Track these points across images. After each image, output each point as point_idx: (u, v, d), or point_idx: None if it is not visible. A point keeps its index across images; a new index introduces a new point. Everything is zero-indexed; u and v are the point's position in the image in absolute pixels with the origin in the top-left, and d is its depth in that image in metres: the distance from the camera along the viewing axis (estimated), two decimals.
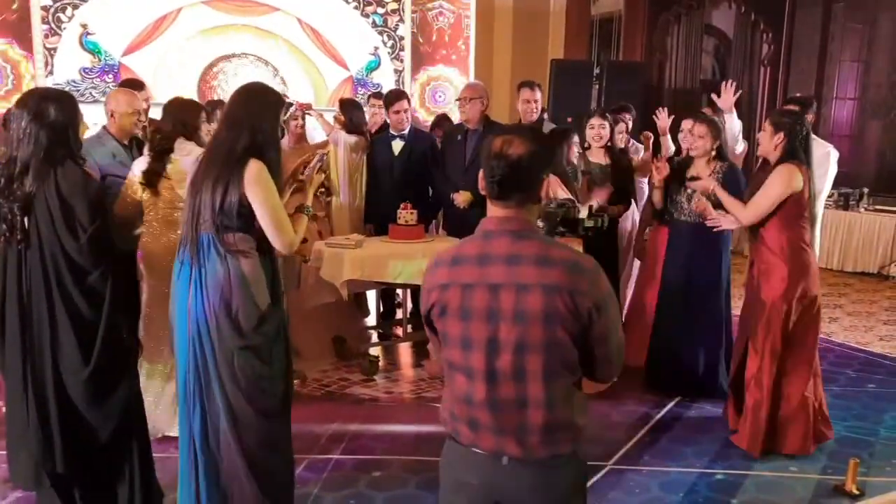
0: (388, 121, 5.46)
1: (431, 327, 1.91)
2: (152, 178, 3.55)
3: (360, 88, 8.76)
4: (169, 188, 3.58)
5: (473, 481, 1.86)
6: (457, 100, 5.37)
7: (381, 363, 5.03)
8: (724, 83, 4.67)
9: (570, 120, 6.98)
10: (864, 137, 9.73)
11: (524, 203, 1.80)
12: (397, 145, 5.30)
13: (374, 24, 8.83)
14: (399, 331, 5.59)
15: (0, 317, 2.79)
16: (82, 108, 2.90)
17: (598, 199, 4.33)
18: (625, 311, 5.00)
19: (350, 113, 5.45)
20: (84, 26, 7.48)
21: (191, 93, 7.72)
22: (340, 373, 4.90)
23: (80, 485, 2.85)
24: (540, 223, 1.98)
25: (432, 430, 3.84)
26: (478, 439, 1.83)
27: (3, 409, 2.95)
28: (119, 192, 3.97)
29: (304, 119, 5.41)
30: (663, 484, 3.51)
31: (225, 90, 7.85)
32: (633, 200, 5.17)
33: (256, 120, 2.61)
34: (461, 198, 4.89)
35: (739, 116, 4.85)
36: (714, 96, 4.69)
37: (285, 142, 5.14)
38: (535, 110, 5.18)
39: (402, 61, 9.03)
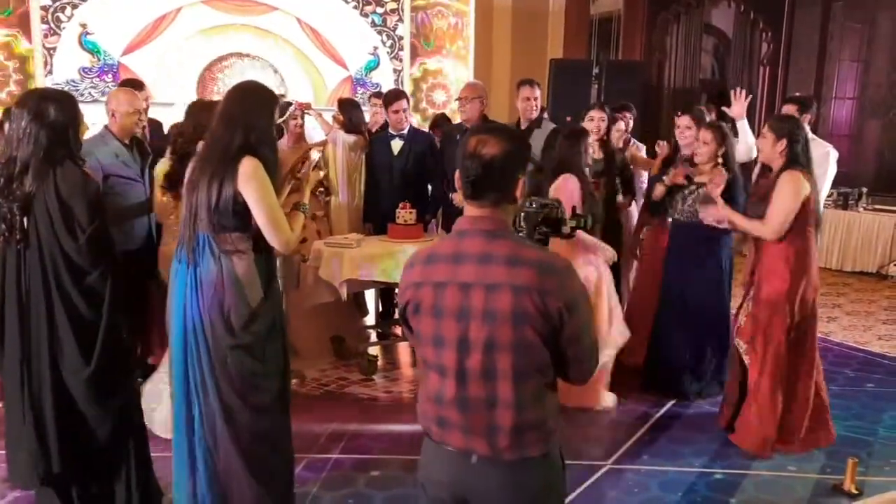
0: (388, 120, 5.46)
1: (407, 325, 1.92)
2: (174, 181, 3.54)
3: (359, 88, 8.76)
4: None
5: (443, 478, 1.87)
6: (456, 99, 5.37)
7: (379, 363, 5.03)
8: (734, 91, 4.64)
9: (569, 119, 6.99)
10: (863, 137, 9.73)
11: (499, 203, 1.80)
12: (396, 145, 5.30)
13: (374, 24, 8.84)
14: (398, 330, 5.59)
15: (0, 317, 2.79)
16: (82, 107, 2.90)
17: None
18: (624, 310, 4.99)
19: (349, 112, 5.46)
20: (83, 26, 7.49)
21: (190, 92, 7.73)
22: (339, 372, 4.90)
23: (78, 484, 2.86)
24: (522, 223, 1.99)
25: None
26: (447, 437, 1.84)
27: (3, 409, 2.95)
28: (121, 192, 3.99)
29: (303, 119, 5.41)
30: (662, 483, 3.51)
31: (224, 90, 7.84)
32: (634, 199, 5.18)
33: (251, 118, 2.61)
34: (460, 197, 4.88)
35: None
36: (725, 108, 4.67)
37: (284, 141, 5.16)
38: (534, 108, 5.18)
39: (401, 61, 9.03)
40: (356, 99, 7.23)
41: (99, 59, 7.60)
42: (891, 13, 9.31)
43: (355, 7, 8.72)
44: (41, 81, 7.25)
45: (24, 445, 2.77)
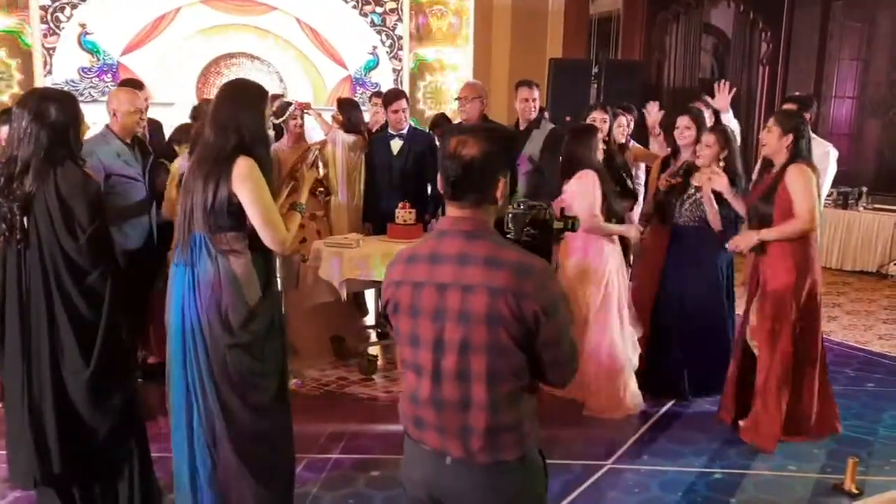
0: (388, 120, 5.46)
1: (389, 323, 1.93)
2: None
3: (358, 88, 8.76)
4: None
5: (419, 478, 1.87)
6: (455, 99, 5.36)
7: (379, 362, 5.03)
8: (717, 83, 4.67)
9: (568, 119, 6.98)
10: (862, 136, 9.73)
11: (480, 203, 1.80)
12: (396, 145, 5.30)
13: (373, 24, 8.83)
14: None
15: (0, 316, 2.79)
16: (81, 107, 2.90)
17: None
18: None
19: (348, 112, 5.46)
20: (83, 26, 7.48)
21: (189, 92, 7.72)
22: (339, 372, 4.90)
23: (79, 484, 2.86)
24: (510, 225, 1.99)
25: None
26: (423, 437, 1.85)
27: (3, 409, 2.95)
28: (122, 192, 3.99)
29: (302, 118, 5.41)
30: (662, 483, 3.51)
31: None
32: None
33: (242, 117, 2.61)
34: None
35: (737, 115, 4.86)
36: (708, 98, 4.69)
37: (284, 141, 5.16)
38: (533, 109, 5.18)
39: (400, 60, 9.03)
40: (355, 99, 7.23)
41: (98, 59, 7.60)
42: (890, 12, 9.30)
43: (354, 7, 8.71)
44: (41, 81, 7.24)
45: (25, 445, 2.77)
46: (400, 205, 4.83)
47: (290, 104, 5.14)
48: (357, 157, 5.41)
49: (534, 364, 1.78)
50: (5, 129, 4.20)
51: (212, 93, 7.85)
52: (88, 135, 3.97)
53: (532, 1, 9.49)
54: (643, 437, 4.00)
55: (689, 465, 3.69)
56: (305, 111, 5.56)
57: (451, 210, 1.83)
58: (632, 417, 4.18)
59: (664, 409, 4.33)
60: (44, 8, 7.29)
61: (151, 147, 4.41)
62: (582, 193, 4.10)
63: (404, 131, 5.32)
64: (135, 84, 4.81)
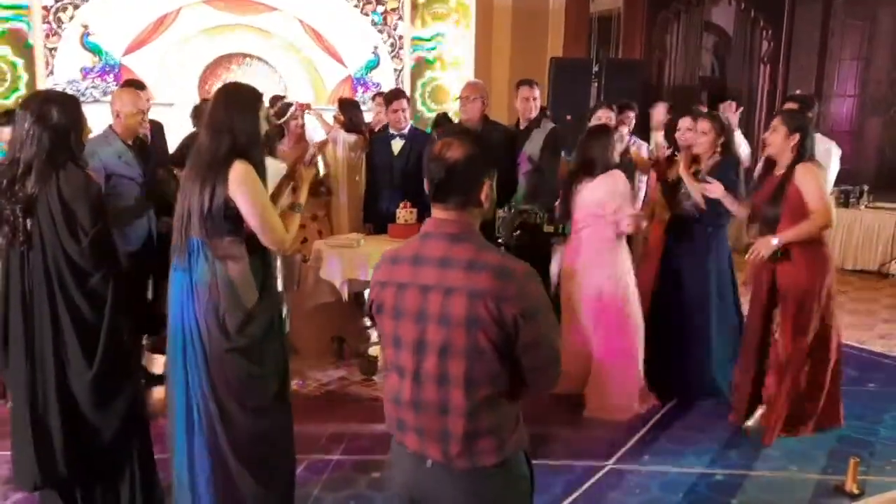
0: (388, 119, 5.45)
1: (375, 323, 1.94)
2: None
3: (359, 87, 8.75)
4: None
5: (398, 478, 1.89)
6: (456, 98, 5.36)
7: (380, 363, 5.03)
8: (723, 104, 4.64)
9: (569, 118, 6.99)
10: (864, 134, 9.72)
11: (464, 206, 1.80)
12: (397, 144, 5.28)
13: (374, 23, 8.83)
14: None
15: (3, 319, 2.80)
16: (83, 108, 2.90)
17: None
18: None
19: (349, 112, 5.47)
20: (85, 26, 7.48)
21: (190, 93, 7.72)
22: (340, 372, 4.91)
23: (82, 486, 2.87)
24: (500, 229, 2.01)
25: None
26: (405, 439, 1.86)
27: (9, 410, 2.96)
28: (123, 193, 4.00)
29: (303, 119, 5.42)
30: (663, 484, 3.52)
31: None
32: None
33: (236, 121, 2.61)
34: None
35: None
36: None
37: (285, 142, 5.17)
38: (533, 108, 5.17)
39: (401, 60, 9.02)
40: (356, 99, 7.23)
41: (100, 60, 7.59)
42: (891, 9, 9.30)
43: (356, 6, 8.71)
44: (42, 82, 7.24)
45: (30, 447, 2.78)
46: (401, 205, 4.82)
47: (290, 105, 5.15)
48: (358, 157, 5.42)
49: (514, 370, 1.77)
50: (6, 130, 4.22)
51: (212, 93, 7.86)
52: (92, 135, 3.98)
53: (532, 0, 9.48)
54: (644, 437, 4.00)
55: (690, 465, 3.69)
56: (306, 111, 5.57)
57: (436, 212, 1.84)
58: (633, 418, 4.18)
59: (665, 409, 4.33)
60: (46, 8, 7.29)
61: (153, 147, 4.42)
62: (612, 193, 4.05)
63: (405, 131, 5.31)
64: (137, 85, 4.82)
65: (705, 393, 4.38)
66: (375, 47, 8.86)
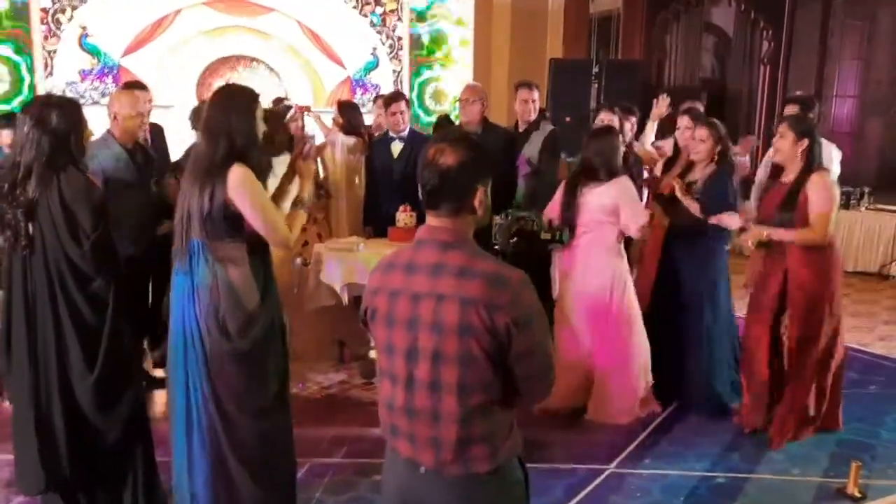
0: (388, 121, 5.44)
1: (369, 330, 1.93)
2: None
3: (358, 88, 8.74)
4: None
5: (391, 483, 1.89)
6: (456, 101, 5.35)
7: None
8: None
9: (568, 120, 6.98)
10: (864, 135, 9.71)
11: (457, 213, 1.78)
12: (396, 147, 5.27)
13: (373, 24, 8.82)
14: None
15: (6, 322, 2.81)
16: (84, 112, 2.90)
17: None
18: None
19: (348, 114, 5.45)
20: (83, 28, 7.47)
21: (189, 95, 7.71)
22: (341, 376, 4.89)
23: (84, 490, 2.87)
24: (497, 236, 1.99)
25: None
26: (398, 445, 1.86)
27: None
28: (121, 198, 3.96)
29: (303, 121, 5.41)
30: (664, 487, 3.51)
31: None
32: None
33: (233, 123, 2.60)
34: None
35: (737, 115, 4.83)
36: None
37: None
38: (532, 110, 5.16)
39: (400, 61, 9.01)
40: (355, 101, 7.21)
41: (99, 61, 7.58)
42: (891, 10, 9.29)
43: (354, 7, 8.70)
44: (41, 83, 7.23)
45: (34, 450, 2.78)
46: (401, 208, 4.80)
47: (290, 107, 5.14)
48: (357, 160, 5.40)
49: (507, 378, 1.75)
50: (6, 132, 4.21)
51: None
52: (92, 138, 3.96)
53: (532, 1, 9.47)
54: (645, 441, 3.99)
55: (691, 469, 3.68)
56: (306, 113, 5.56)
57: (430, 219, 1.81)
58: (634, 421, 4.16)
59: (666, 412, 4.31)
60: (44, 10, 7.28)
61: (154, 150, 4.39)
62: (622, 199, 4.00)
63: (405, 133, 5.29)
64: (138, 86, 4.77)
65: (704, 397, 4.35)
66: (374, 48, 8.85)
